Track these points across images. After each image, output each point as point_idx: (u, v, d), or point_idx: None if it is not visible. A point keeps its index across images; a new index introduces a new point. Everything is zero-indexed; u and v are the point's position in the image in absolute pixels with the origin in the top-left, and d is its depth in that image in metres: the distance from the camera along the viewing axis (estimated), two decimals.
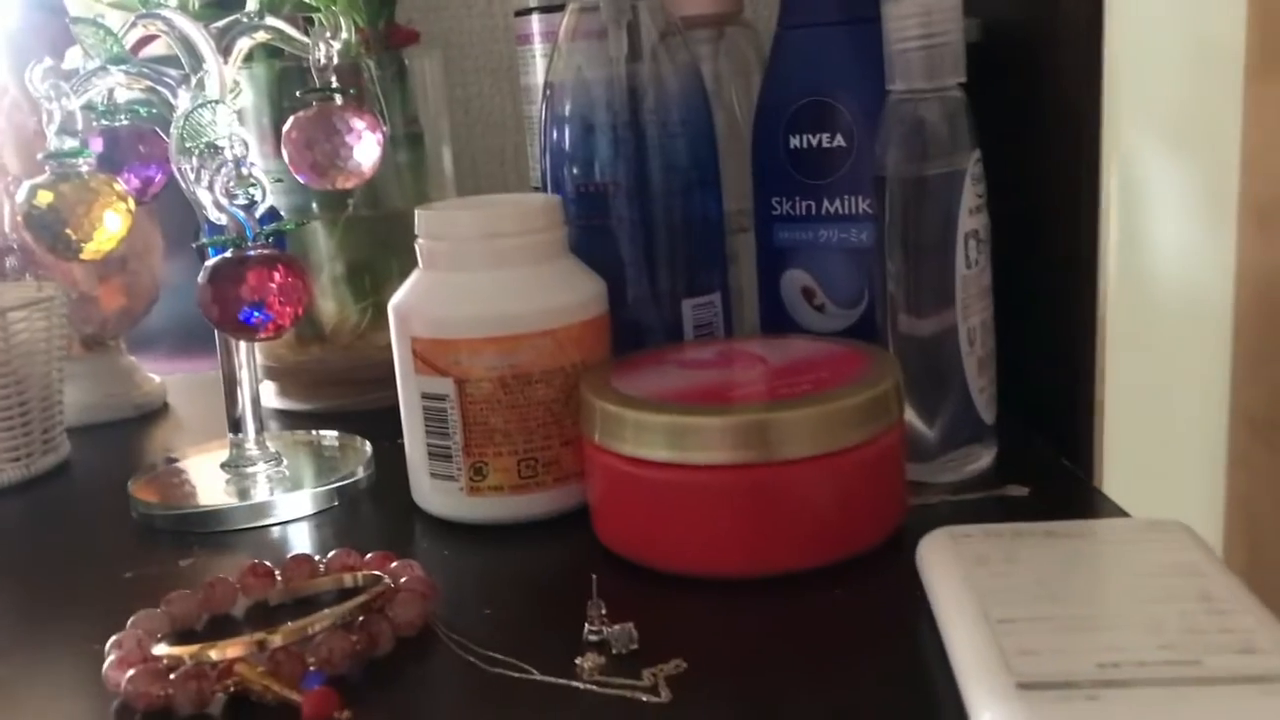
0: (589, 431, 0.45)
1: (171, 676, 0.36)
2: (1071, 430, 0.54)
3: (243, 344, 0.55)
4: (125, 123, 0.55)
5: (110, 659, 0.38)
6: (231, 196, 0.49)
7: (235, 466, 0.56)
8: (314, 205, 0.67)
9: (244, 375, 0.55)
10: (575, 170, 0.55)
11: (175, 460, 0.59)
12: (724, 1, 0.63)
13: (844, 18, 0.54)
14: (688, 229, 0.55)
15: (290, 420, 0.69)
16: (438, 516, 0.50)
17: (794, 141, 0.56)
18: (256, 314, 0.47)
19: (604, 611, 0.39)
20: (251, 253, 0.49)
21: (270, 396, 0.71)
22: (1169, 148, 0.67)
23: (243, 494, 0.54)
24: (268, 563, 0.44)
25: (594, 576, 0.40)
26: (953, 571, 0.38)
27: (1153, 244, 0.69)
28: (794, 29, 0.56)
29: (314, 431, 0.62)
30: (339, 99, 0.54)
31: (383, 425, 0.60)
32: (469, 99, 0.83)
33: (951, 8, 0.48)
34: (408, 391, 0.50)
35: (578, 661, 0.37)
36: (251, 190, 0.49)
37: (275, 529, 0.52)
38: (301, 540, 0.51)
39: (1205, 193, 0.66)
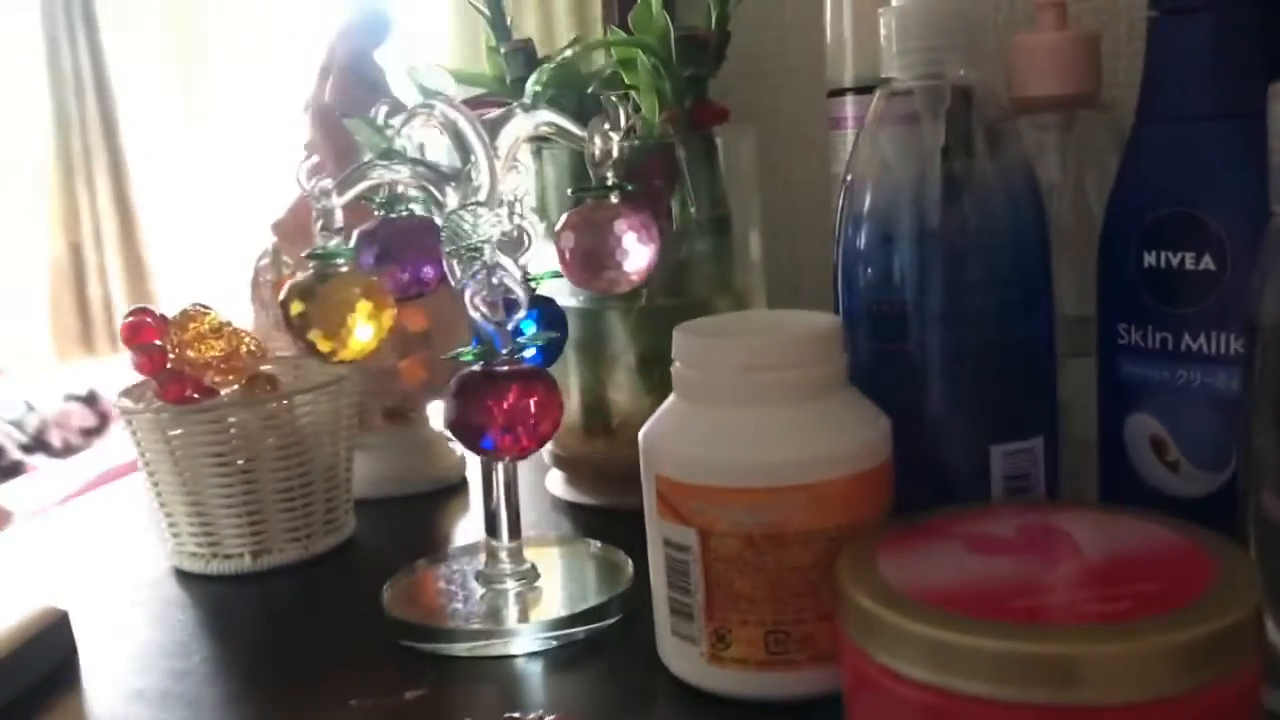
0: (842, 620, 0.38)
1: None
2: None
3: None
4: (406, 214, 0.53)
5: None
6: (489, 306, 0.45)
7: (488, 580, 0.53)
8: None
9: (499, 476, 0.51)
10: (870, 283, 0.47)
11: (434, 560, 0.57)
12: (1077, 80, 0.53)
13: (1221, 111, 0.43)
14: (1004, 359, 0.46)
15: (574, 513, 0.66)
16: (679, 678, 0.44)
17: (1148, 259, 0.45)
18: (487, 438, 0.44)
19: None
20: (499, 368, 0.45)
21: (557, 485, 0.68)
22: None
23: (487, 615, 0.50)
24: None
25: None
26: None
27: None
28: (1156, 124, 0.46)
29: (581, 540, 0.58)
30: (614, 197, 0.50)
31: None
32: (790, 171, 0.76)
33: None
34: (653, 533, 0.44)
35: None
36: (510, 299, 0.46)
37: (513, 660, 0.48)
38: (532, 680, 0.47)
39: None
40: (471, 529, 0.64)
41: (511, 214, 0.52)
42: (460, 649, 0.48)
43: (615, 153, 0.50)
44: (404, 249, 0.51)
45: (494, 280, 0.45)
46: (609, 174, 0.50)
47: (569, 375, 0.66)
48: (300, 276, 0.47)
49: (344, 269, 0.47)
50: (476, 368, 0.46)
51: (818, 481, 0.41)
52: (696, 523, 0.42)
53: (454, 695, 0.46)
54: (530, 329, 0.53)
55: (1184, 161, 0.44)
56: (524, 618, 0.50)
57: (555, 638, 0.48)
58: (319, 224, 0.47)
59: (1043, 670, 0.32)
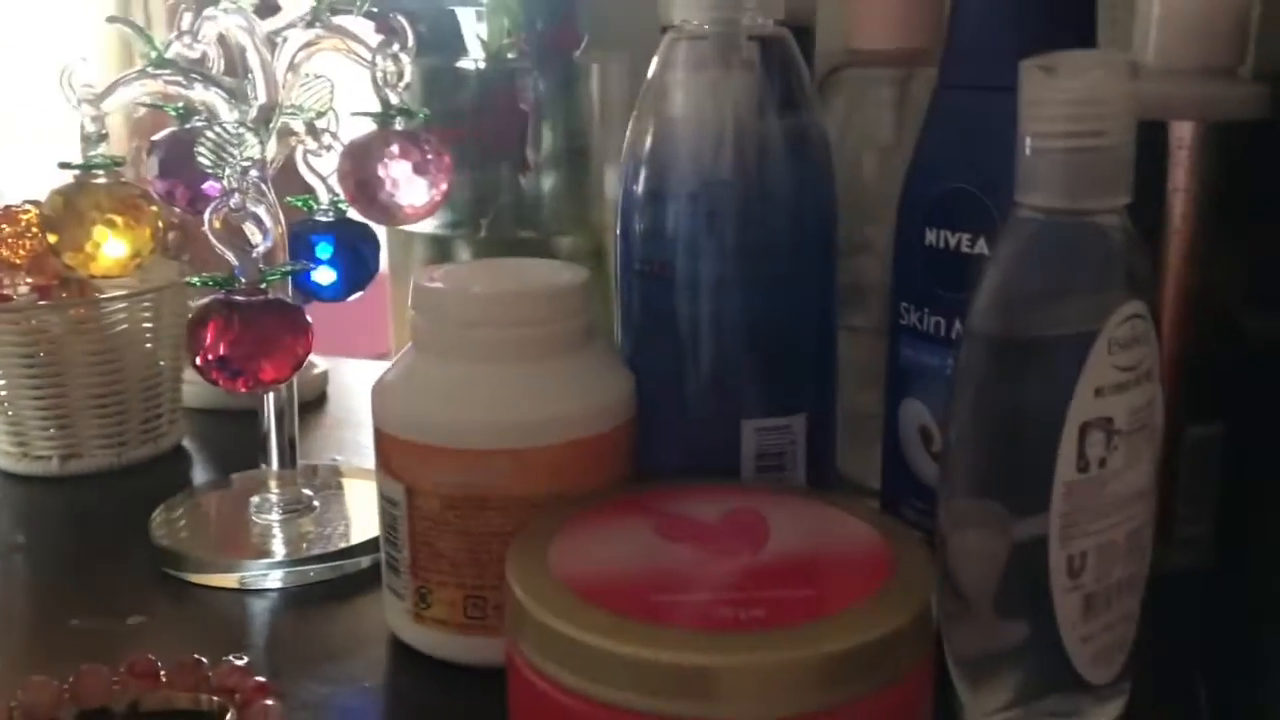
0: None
1: None
2: None
3: None
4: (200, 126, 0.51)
5: None
6: (230, 231, 0.43)
7: (257, 509, 0.51)
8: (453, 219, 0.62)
9: (270, 401, 0.50)
10: (641, 239, 0.44)
11: (226, 482, 0.56)
12: (914, 34, 0.49)
13: (1015, 80, 0.40)
14: (764, 331, 0.43)
15: None
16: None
17: (930, 236, 0.42)
18: (216, 368, 0.42)
19: None
20: (238, 298, 0.43)
21: None
22: None
23: (236, 545, 0.49)
24: (154, 659, 0.39)
25: None
26: None
27: None
28: (952, 88, 0.42)
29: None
30: (400, 124, 0.47)
31: None
32: None
33: (1119, 96, 0.33)
34: (377, 483, 0.42)
35: None
36: (257, 225, 0.44)
37: (257, 593, 0.47)
38: (259, 617, 0.46)
39: None
40: (315, 449, 0.63)
41: (313, 130, 0.50)
42: (195, 577, 0.47)
43: (406, 76, 0.47)
44: (185, 163, 0.49)
45: (233, 204, 0.43)
46: (395, 98, 0.47)
47: None
48: (58, 186, 0.46)
49: (100, 180, 0.45)
50: (218, 297, 0.44)
51: (523, 447, 0.39)
52: (405, 479, 0.40)
53: (176, 624, 0.45)
54: (327, 252, 0.51)
55: (971, 134, 0.41)
56: (274, 551, 0.49)
57: (289, 575, 0.47)
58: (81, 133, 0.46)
59: (671, 682, 0.30)
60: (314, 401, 0.71)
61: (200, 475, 0.61)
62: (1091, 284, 0.34)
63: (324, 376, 0.73)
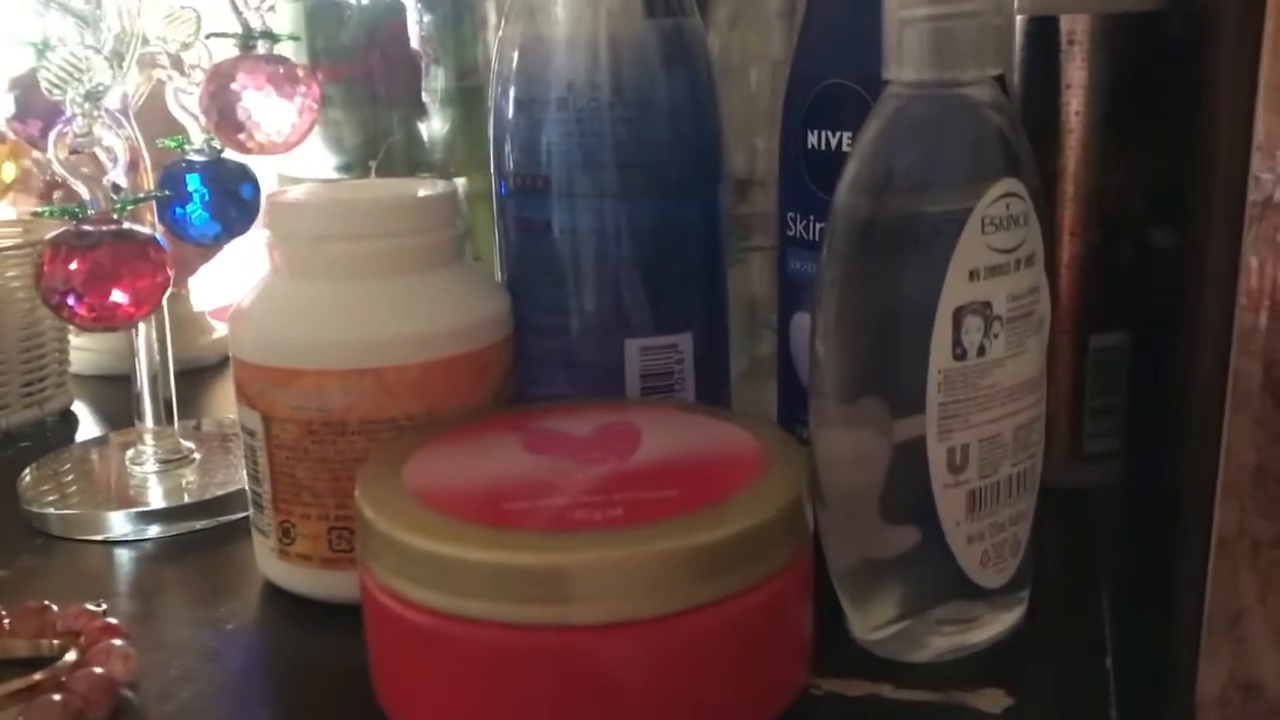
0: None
1: None
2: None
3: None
4: None
5: None
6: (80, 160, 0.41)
7: (137, 463, 0.49)
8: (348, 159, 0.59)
9: (140, 346, 0.48)
10: (515, 156, 0.42)
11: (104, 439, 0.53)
12: None
13: None
14: (647, 247, 0.41)
15: None
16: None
17: (812, 139, 0.40)
18: (66, 301, 0.40)
19: None
20: (87, 228, 0.41)
21: None
22: None
23: (122, 496, 0.47)
24: None
25: None
26: None
27: None
28: None
29: None
30: (263, 48, 0.45)
31: None
32: None
33: None
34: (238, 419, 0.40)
35: None
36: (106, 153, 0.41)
37: (122, 548, 0.45)
38: (124, 569, 0.43)
39: None
40: (215, 411, 0.61)
41: (179, 64, 0.48)
42: (63, 532, 0.45)
43: None
44: (41, 99, 0.46)
45: (77, 129, 0.40)
46: (252, 21, 0.45)
47: None
48: None
49: None
50: (66, 229, 0.41)
51: (386, 366, 0.36)
52: (260, 407, 0.38)
53: (41, 578, 0.42)
54: (201, 192, 0.49)
55: (846, 29, 0.39)
56: (148, 502, 0.46)
57: (164, 526, 0.45)
58: None
59: (528, 584, 0.29)
60: (215, 366, 0.69)
61: (70, 439, 0.59)
62: (962, 160, 0.32)
63: (226, 341, 0.70)
